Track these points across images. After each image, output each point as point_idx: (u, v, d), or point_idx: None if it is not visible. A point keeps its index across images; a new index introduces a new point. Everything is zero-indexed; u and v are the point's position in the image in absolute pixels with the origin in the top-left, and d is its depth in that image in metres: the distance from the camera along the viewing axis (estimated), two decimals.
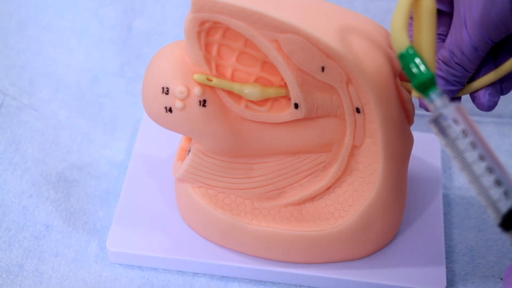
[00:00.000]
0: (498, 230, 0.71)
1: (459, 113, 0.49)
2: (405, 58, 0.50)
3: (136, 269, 0.66)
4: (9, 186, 0.70)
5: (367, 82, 0.57)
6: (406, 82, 0.60)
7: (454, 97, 0.59)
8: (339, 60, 0.57)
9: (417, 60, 0.49)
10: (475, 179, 0.48)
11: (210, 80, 0.59)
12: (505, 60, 0.57)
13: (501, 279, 0.68)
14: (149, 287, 0.65)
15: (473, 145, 0.48)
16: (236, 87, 0.60)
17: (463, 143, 0.48)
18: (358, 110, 0.60)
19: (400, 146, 0.60)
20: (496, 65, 0.58)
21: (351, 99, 0.60)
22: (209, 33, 0.58)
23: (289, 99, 0.61)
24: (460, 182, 0.75)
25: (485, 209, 0.72)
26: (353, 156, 0.63)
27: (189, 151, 0.64)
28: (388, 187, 0.62)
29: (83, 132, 0.76)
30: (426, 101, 0.49)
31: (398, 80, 0.59)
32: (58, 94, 0.78)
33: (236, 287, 0.66)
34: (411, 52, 0.49)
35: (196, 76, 0.59)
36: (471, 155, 0.48)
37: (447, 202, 0.72)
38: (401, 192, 0.63)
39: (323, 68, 0.58)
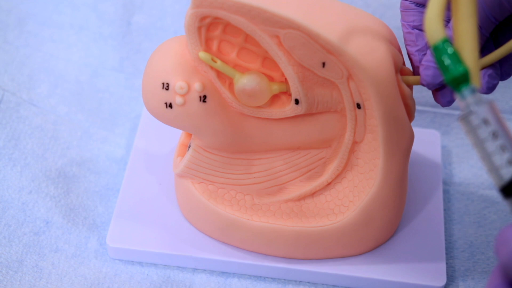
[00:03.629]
0: (498, 226, 0.71)
1: (491, 112, 0.46)
2: (439, 51, 0.46)
3: (136, 265, 0.66)
4: (9, 182, 0.70)
5: (367, 77, 0.57)
6: (407, 77, 0.59)
7: None
8: (340, 55, 0.57)
9: (452, 53, 0.46)
10: (502, 182, 0.46)
11: (215, 62, 0.59)
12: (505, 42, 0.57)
13: None
14: (149, 282, 0.65)
15: (503, 148, 0.45)
16: (237, 75, 0.60)
17: (492, 146, 0.46)
18: (358, 106, 0.60)
19: (401, 142, 0.60)
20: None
21: (351, 94, 0.60)
22: (209, 28, 0.58)
23: (290, 94, 0.61)
24: (460, 178, 0.75)
25: (485, 205, 0.72)
26: (353, 151, 0.63)
27: (189, 146, 0.64)
28: (388, 183, 0.62)
29: (82, 128, 0.76)
30: (457, 97, 0.47)
31: (399, 76, 0.58)
32: (57, 90, 0.78)
33: (236, 283, 0.66)
34: (446, 44, 0.46)
35: (201, 54, 0.59)
36: (500, 159, 0.45)
37: (447, 198, 0.72)
38: (401, 188, 0.63)
39: (323, 64, 0.58)
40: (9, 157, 0.72)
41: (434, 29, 0.46)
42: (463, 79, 0.46)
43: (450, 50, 0.46)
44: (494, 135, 0.46)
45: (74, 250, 0.67)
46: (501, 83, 0.74)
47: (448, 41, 0.46)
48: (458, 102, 0.47)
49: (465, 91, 0.46)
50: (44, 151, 0.73)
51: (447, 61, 0.46)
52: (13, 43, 0.81)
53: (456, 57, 0.46)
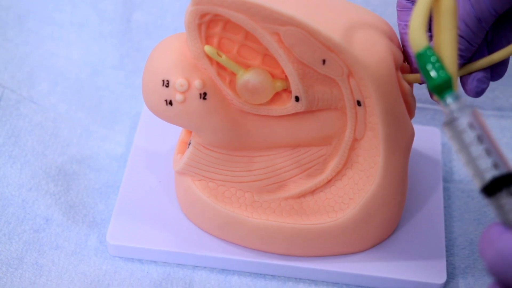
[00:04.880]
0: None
1: (475, 118, 0.47)
2: (422, 58, 0.48)
3: (136, 262, 0.66)
4: (9, 179, 0.70)
5: (368, 75, 0.57)
6: (407, 74, 0.59)
7: None
8: (340, 53, 0.56)
9: (435, 61, 0.47)
10: (483, 182, 0.47)
11: (220, 56, 0.59)
12: (498, 46, 0.57)
13: None
14: (149, 280, 0.65)
15: (488, 152, 0.46)
16: (241, 71, 0.60)
17: (477, 150, 0.46)
18: (359, 103, 0.60)
19: (401, 139, 0.60)
20: (489, 52, 0.58)
21: (352, 92, 0.60)
22: (209, 25, 0.58)
23: (290, 92, 0.61)
24: (461, 175, 0.75)
25: (486, 202, 0.72)
26: (353, 149, 0.63)
27: (189, 144, 0.64)
28: (388, 180, 0.62)
29: (82, 125, 0.76)
30: (441, 104, 0.48)
31: (399, 73, 0.58)
32: (57, 87, 0.78)
33: (236, 280, 0.66)
34: (429, 52, 0.48)
35: (207, 48, 0.59)
36: (485, 162, 0.46)
37: (448, 195, 0.72)
38: (401, 186, 0.63)
39: (324, 61, 0.58)
40: (9, 154, 0.72)
41: (417, 37, 0.48)
42: (446, 86, 0.47)
43: (433, 58, 0.47)
44: (479, 139, 0.46)
45: (74, 247, 0.67)
46: (501, 81, 0.74)
47: (431, 48, 0.48)
48: (442, 108, 0.48)
49: (448, 97, 0.47)
50: (44, 148, 0.73)
51: (430, 68, 0.47)
52: (13, 40, 0.81)
53: (439, 65, 0.47)
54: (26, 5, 0.82)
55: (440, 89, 0.47)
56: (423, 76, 0.48)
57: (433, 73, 0.47)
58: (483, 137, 0.46)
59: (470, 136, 0.46)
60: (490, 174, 0.46)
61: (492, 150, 0.46)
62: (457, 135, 0.47)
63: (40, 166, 0.72)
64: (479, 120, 0.47)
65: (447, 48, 0.49)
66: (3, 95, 0.76)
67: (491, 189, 0.46)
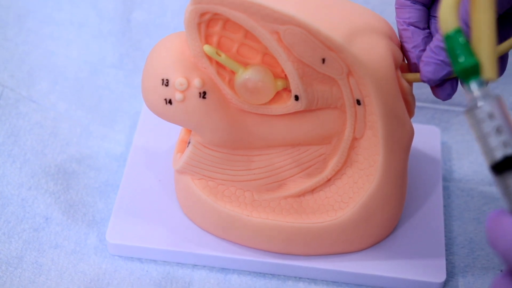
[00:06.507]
0: None
1: (498, 107, 0.45)
2: (451, 40, 0.46)
3: (136, 261, 0.66)
4: (8, 178, 0.70)
5: (367, 74, 0.57)
6: (407, 73, 0.59)
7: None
8: (340, 52, 0.56)
9: (463, 44, 0.46)
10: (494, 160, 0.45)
11: (219, 55, 0.59)
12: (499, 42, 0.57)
13: (501, 270, 0.68)
14: (148, 279, 0.65)
15: (505, 144, 0.45)
16: (241, 70, 0.59)
17: (495, 141, 0.45)
18: (358, 102, 0.60)
19: (401, 138, 0.60)
20: None
21: (351, 91, 0.60)
22: (209, 24, 0.58)
23: (290, 91, 0.61)
24: (460, 174, 0.75)
25: (485, 201, 0.72)
26: (353, 148, 0.63)
27: (189, 143, 0.64)
28: (388, 179, 0.62)
29: (82, 124, 0.76)
30: (465, 89, 0.46)
31: (399, 72, 0.58)
32: (57, 86, 0.78)
33: (235, 279, 0.66)
34: (458, 34, 0.46)
35: (206, 48, 0.59)
36: (501, 154, 0.45)
37: (447, 194, 0.72)
38: (401, 184, 0.63)
39: (323, 60, 0.58)
40: (9, 153, 0.72)
41: (448, 18, 0.46)
42: (472, 71, 0.46)
43: (462, 41, 0.46)
44: (498, 131, 0.45)
45: (73, 246, 0.67)
46: (501, 80, 0.74)
47: (460, 31, 0.46)
48: (465, 94, 0.46)
49: (473, 83, 0.46)
50: (43, 147, 0.73)
51: (458, 52, 0.46)
52: (12, 40, 0.80)
53: (468, 49, 0.46)
54: (26, 4, 0.82)
55: (466, 74, 0.46)
56: (450, 58, 0.46)
57: (460, 57, 0.46)
58: (503, 128, 0.45)
59: (489, 125, 0.45)
60: (501, 152, 0.45)
61: (510, 142, 0.45)
62: (477, 124, 0.45)
63: (39, 165, 0.72)
64: (503, 109, 0.45)
65: (485, 29, 0.47)
66: (2, 94, 0.76)
67: (501, 167, 0.45)
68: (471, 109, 0.46)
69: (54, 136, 0.74)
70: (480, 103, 0.45)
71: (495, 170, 0.45)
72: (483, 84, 0.46)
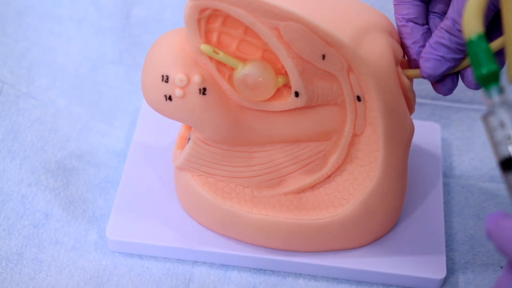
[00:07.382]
0: None
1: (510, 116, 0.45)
2: (473, 46, 0.46)
3: (136, 258, 0.66)
4: (8, 175, 0.70)
5: (368, 70, 0.57)
6: (407, 70, 0.59)
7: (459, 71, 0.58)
8: (340, 48, 0.56)
9: (485, 50, 0.46)
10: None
11: (217, 53, 0.59)
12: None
13: (501, 267, 0.68)
14: (148, 275, 0.65)
15: None
16: (240, 66, 0.59)
17: (505, 150, 0.45)
18: (358, 98, 0.60)
19: (401, 134, 0.60)
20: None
21: (351, 87, 0.59)
22: (209, 20, 0.58)
23: (290, 87, 0.60)
24: (461, 170, 0.75)
25: (486, 197, 0.72)
26: (353, 144, 0.63)
27: (189, 139, 0.64)
28: (388, 175, 0.62)
29: (82, 121, 0.76)
30: (483, 95, 0.46)
31: (399, 68, 0.58)
32: (56, 83, 0.78)
33: (235, 275, 0.66)
34: (481, 40, 0.46)
35: (203, 47, 0.58)
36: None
37: (447, 190, 0.72)
38: (401, 181, 0.63)
39: (323, 56, 0.58)
40: (9, 149, 0.72)
41: (472, 22, 0.46)
42: (493, 78, 0.46)
43: (484, 46, 0.46)
44: (509, 140, 0.45)
45: (73, 242, 0.67)
46: (501, 79, 0.74)
47: (483, 37, 0.46)
48: (484, 100, 0.46)
49: (493, 90, 0.46)
50: (43, 143, 0.73)
51: (480, 58, 0.46)
52: (12, 36, 0.80)
53: (490, 54, 0.46)
54: (26, 0, 0.82)
55: (486, 80, 0.46)
56: (471, 63, 0.46)
57: (482, 64, 0.46)
58: None
59: (501, 134, 0.45)
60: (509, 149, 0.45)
61: None
62: (490, 131, 0.46)
63: (39, 161, 0.71)
64: None
65: None
66: (2, 90, 0.76)
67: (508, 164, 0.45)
68: (486, 116, 0.46)
69: (54, 133, 0.74)
70: (496, 110, 0.45)
71: (504, 166, 0.45)
72: (502, 91, 0.46)
